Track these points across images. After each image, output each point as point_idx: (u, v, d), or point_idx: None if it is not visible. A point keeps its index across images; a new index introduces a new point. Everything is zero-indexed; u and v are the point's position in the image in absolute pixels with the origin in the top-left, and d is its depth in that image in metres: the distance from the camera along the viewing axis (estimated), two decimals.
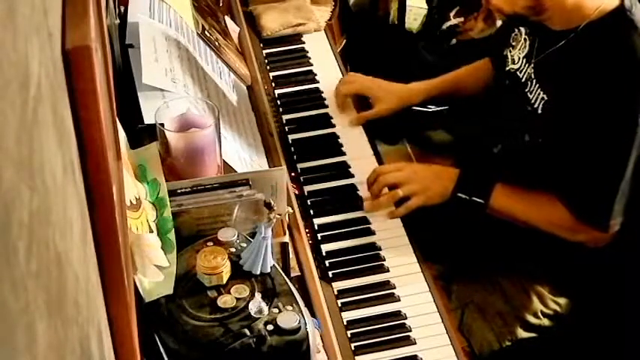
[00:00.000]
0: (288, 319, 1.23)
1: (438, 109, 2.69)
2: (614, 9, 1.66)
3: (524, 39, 1.85)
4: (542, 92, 1.75)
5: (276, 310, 1.24)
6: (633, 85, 1.62)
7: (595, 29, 1.67)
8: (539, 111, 1.75)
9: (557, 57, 1.74)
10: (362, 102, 2.11)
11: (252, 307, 1.24)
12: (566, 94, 1.70)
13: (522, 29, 1.86)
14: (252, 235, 1.35)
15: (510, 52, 1.89)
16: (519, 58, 1.85)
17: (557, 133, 1.72)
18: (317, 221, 1.76)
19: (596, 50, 1.66)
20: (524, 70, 1.83)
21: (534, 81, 1.78)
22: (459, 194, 1.77)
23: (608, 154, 1.68)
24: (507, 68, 1.89)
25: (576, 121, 1.67)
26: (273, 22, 2.28)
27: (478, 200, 1.77)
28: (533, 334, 1.83)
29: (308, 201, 1.80)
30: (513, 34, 1.89)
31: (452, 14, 2.77)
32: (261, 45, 2.26)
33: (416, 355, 1.50)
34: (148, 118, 1.58)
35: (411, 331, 1.55)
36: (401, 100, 2.08)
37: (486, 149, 1.95)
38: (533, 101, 1.77)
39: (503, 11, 1.72)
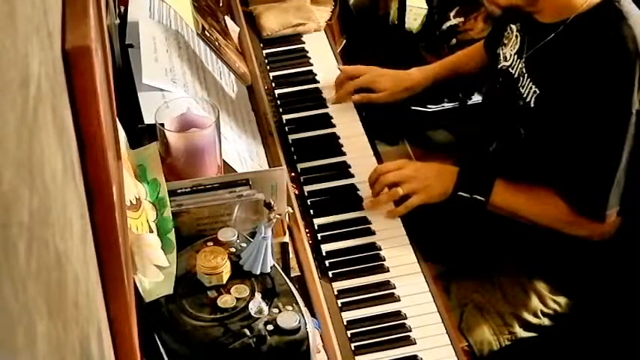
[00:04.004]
0: (288, 319, 1.23)
1: (438, 109, 2.69)
2: (601, 0, 1.67)
3: (516, 35, 1.86)
4: (533, 86, 1.76)
5: (276, 310, 1.24)
6: (624, 75, 1.62)
7: (584, 20, 1.67)
8: (532, 105, 1.76)
9: (548, 50, 1.74)
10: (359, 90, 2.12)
11: (252, 307, 1.24)
12: (557, 86, 1.70)
13: (513, 27, 1.87)
14: (252, 235, 1.35)
15: (502, 50, 1.90)
16: (511, 55, 1.86)
17: (551, 126, 1.72)
18: (317, 221, 1.75)
19: (586, 41, 1.66)
20: (515, 66, 1.84)
21: (526, 75, 1.79)
22: (460, 193, 1.77)
23: (601, 144, 1.68)
24: (500, 66, 1.90)
25: (569, 112, 1.68)
26: (273, 22, 2.28)
27: (479, 198, 1.77)
28: (532, 334, 1.83)
29: (308, 201, 1.80)
30: (505, 33, 1.90)
31: (452, 14, 2.78)
32: (261, 45, 2.26)
33: (416, 355, 1.50)
34: (148, 118, 1.58)
35: (411, 331, 1.55)
36: (404, 87, 2.10)
37: (483, 147, 1.95)
38: (525, 95, 1.78)
39: (499, 3, 1.72)
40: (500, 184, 1.78)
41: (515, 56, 1.85)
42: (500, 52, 1.91)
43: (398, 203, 1.78)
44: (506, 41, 1.90)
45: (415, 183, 1.78)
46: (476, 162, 1.92)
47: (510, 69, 1.86)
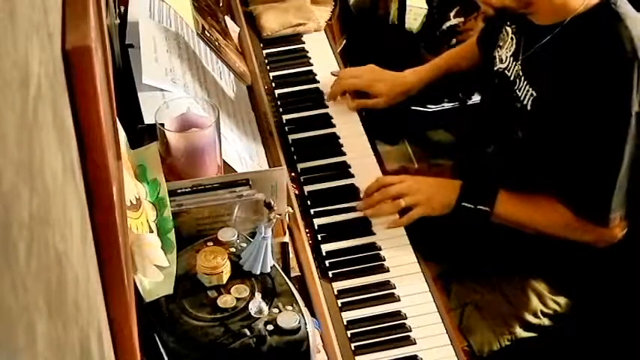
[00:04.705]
0: (288, 319, 1.23)
1: (438, 109, 2.69)
2: (598, 2, 1.67)
3: (511, 38, 1.85)
4: (530, 89, 1.75)
5: (276, 310, 1.24)
6: (622, 77, 1.62)
7: (581, 22, 1.67)
8: (529, 107, 1.75)
9: (544, 52, 1.74)
10: (358, 93, 2.12)
11: (252, 307, 1.24)
12: (555, 89, 1.70)
13: (509, 29, 1.87)
14: (252, 235, 1.35)
15: (498, 52, 1.90)
16: (507, 57, 1.86)
17: (549, 128, 1.72)
18: (317, 221, 1.75)
19: (583, 43, 1.66)
20: (512, 69, 1.83)
21: (522, 78, 1.79)
22: (464, 203, 1.77)
23: (601, 147, 1.68)
24: (496, 68, 1.90)
25: (567, 115, 1.67)
26: (273, 22, 2.28)
27: (483, 208, 1.77)
28: (532, 334, 1.83)
29: (308, 201, 1.80)
30: (500, 35, 1.90)
31: (452, 14, 2.78)
32: (261, 45, 2.26)
33: (416, 355, 1.51)
34: (148, 118, 1.58)
35: (411, 331, 1.55)
36: (400, 91, 2.10)
37: (481, 150, 1.95)
38: (522, 98, 1.77)
39: (492, 3, 1.72)
40: (504, 194, 1.77)
41: (511, 58, 1.84)
42: (496, 54, 1.90)
43: (399, 214, 1.78)
44: (501, 43, 1.90)
45: (418, 195, 1.78)
46: (478, 172, 1.92)
47: (506, 71, 1.85)
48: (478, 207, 1.77)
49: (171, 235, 1.35)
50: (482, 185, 1.80)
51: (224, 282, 1.28)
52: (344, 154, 1.94)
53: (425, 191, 1.79)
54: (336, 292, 1.61)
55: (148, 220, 1.33)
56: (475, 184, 1.80)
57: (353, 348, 1.51)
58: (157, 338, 1.24)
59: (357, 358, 1.50)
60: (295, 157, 1.91)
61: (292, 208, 1.62)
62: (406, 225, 1.76)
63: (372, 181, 1.82)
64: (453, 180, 1.83)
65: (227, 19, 2.20)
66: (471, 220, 1.78)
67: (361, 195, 1.82)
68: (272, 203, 1.36)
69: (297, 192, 1.80)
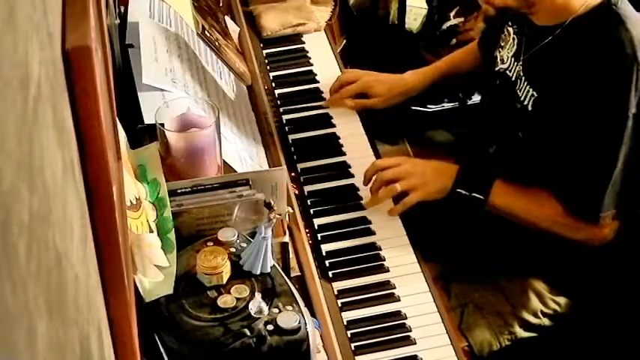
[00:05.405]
0: (288, 319, 1.23)
1: (438, 109, 2.69)
2: (599, 4, 1.67)
3: (513, 38, 1.86)
4: (531, 89, 1.76)
5: (276, 310, 1.24)
6: (621, 78, 1.62)
7: (581, 24, 1.68)
8: (530, 108, 1.76)
9: (545, 53, 1.74)
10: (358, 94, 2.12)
11: (252, 307, 1.24)
12: (555, 89, 1.70)
13: (510, 29, 1.87)
14: (252, 235, 1.35)
15: (499, 52, 1.90)
16: (508, 57, 1.86)
17: (549, 129, 1.72)
18: (317, 221, 1.75)
19: (584, 44, 1.66)
20: (513, 69, 1.84)
21: (523, 78, 1.79)
22: (459, 190, 1.77)
23: (597, 147, 1.68)
24: (497, 68, 1.90)
25: (567, 115, 1.68)
26: (273, 22, 2.28)
27: (478, 196, 1.77)
28: (532, 334, 1.83)
29: (308, 201, 1.80)
30: (502, 35, 1.90)
31: (452, 14, 2.78)
32: (261, 45, 2.26)
33: (416, 355, 1.51)
34: (148, 118, 1.58)
35: (411, 331, 1.55)
36: (398, 92, 2.10)
37: (482, 149, 1.95)
38: (522, 98, 1.78)
39: (494, 3, 1.72)
40: (499, 184, 1.78)
41: (513, 59, 1.85)
42: (498, 55, 1.91)
43: (396, 200, 1.78)
44: (503, 43, 1.90)
45: (413, 179, 1.78)
46: (476, 161, 1.92)
47: (508, 72, 1.86)
48: (473, 194, 1.77)
49: (172, 235, 1.36)
50: (478, 173, 1.80)
51: (224, 282, 1.28)
52: (344, 154, 1.94)
53: (421, 175, 1.78)
54: (336, 292, 1.61)
55: (148, 220, 1.33)
56: (472, 171, 1.80)
57: (353, 348, 1.51)
58: (157, 338, 1.24)
59: (357, 358, 1.50)
60: (295, 157, 1.91)
61: (292, 208, 1.62)
62: (402, 211, 1.76)
63: (369, 167, 1.82)
64: (451, 164, 1.83)
65: (227, 19, 2.20)
66: (464, 207, 1.78)
67: (360, 194, 1.82)
68: (272, 203, 1.36)
69: (297, 192, 1.80)
